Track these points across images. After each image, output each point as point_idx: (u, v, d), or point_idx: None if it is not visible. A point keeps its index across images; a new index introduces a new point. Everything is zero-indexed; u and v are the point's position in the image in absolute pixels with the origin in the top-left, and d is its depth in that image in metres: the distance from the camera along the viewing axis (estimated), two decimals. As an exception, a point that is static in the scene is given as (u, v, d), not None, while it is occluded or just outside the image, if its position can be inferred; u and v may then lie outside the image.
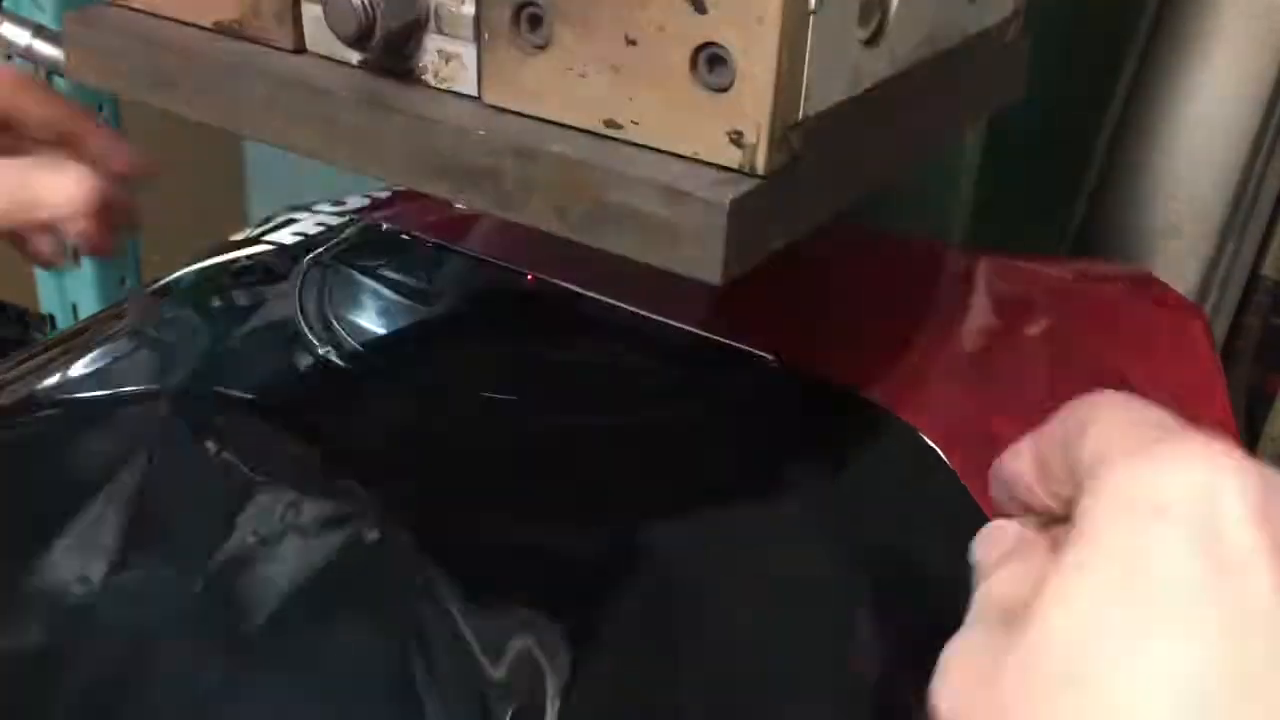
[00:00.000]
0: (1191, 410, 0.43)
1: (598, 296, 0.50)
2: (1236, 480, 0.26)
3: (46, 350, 0.49)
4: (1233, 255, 0.69)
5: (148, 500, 0.40)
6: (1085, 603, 0.26)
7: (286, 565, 0.38)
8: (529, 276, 0.52)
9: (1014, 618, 0.28)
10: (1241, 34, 0.63)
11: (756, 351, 0.47)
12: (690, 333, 0.48)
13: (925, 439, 0.44)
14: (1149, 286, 0.61)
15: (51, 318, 0.98)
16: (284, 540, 0.38)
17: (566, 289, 0.50)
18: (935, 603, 0.34)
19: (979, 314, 0.53)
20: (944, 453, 0.44)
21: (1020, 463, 0.32)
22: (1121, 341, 0.54)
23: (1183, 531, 0.25)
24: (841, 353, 0.48)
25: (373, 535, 0.38)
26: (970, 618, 0.30)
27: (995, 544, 0.32)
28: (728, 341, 0.48)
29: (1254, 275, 0.72)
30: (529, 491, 0.41)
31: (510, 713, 0.34)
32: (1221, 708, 0.24)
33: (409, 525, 0.38)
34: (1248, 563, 0.25)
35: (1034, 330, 0.53)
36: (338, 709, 0.35)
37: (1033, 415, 0.33)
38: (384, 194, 0.62)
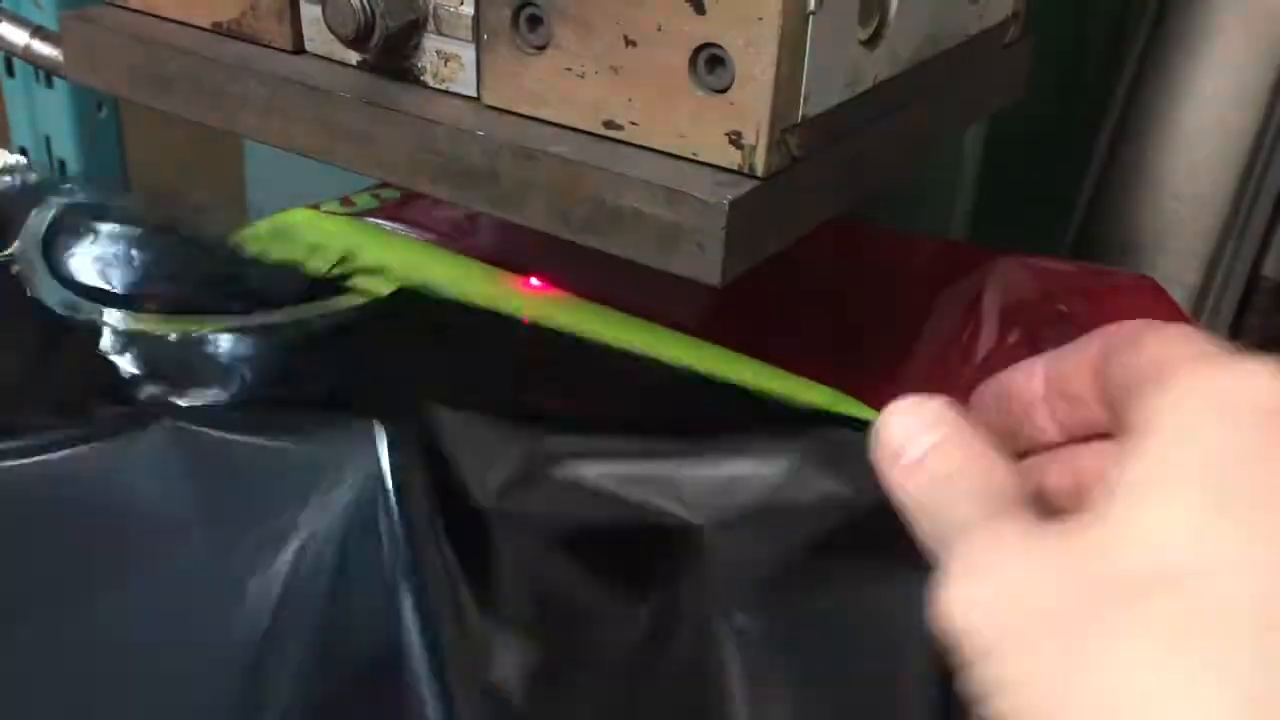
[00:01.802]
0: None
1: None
2: None
3: None
4: (1233, 255, 0.68)
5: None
6: (1178, 499, 0.23)
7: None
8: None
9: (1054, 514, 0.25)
10: (1241, 34, 0.63)
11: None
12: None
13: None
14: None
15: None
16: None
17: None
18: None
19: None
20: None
21: (1031, 381, 0.31)
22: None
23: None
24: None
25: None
26: (977, 512, 0.26)
27: (920, 419, 0.29)
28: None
29: (1254, 275, 0.72)
30: None
31: None
32: None
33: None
34: None
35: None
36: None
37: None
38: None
